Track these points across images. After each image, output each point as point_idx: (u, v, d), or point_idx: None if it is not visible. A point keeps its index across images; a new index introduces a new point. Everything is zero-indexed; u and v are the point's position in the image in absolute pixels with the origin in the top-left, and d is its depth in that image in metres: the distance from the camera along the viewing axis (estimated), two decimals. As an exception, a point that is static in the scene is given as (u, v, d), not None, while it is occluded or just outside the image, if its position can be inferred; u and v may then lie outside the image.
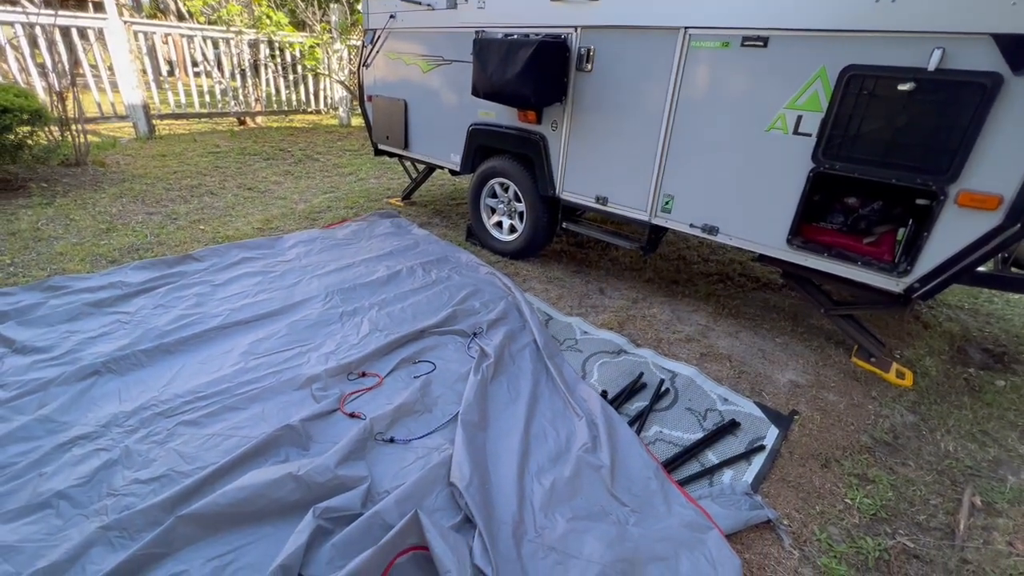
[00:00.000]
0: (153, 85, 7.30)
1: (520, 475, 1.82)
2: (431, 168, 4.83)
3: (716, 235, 2.74)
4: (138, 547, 1.42)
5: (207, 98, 7.91)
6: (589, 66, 2.99)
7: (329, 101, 9.61)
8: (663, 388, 2.41)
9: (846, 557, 1.66)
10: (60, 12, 5.55)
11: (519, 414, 2.13)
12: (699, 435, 2.13)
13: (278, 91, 8.71)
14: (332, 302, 2.93)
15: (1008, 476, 2.03)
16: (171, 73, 11.17)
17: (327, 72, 8.93)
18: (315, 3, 9.24)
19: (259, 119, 8.52)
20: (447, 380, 2.34)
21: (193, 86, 7.72)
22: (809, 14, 2.19)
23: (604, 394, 2.32)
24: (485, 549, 1.47)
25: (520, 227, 3.75)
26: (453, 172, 4.21)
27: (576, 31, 2.98)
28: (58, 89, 5.01)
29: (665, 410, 2.29)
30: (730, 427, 2.17)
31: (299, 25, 9.43)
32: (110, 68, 6.52)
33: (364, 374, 2.34)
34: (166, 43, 12.37)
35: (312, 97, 9.34)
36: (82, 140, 5.16)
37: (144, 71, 6.88)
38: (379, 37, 4.27)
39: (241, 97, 8.13)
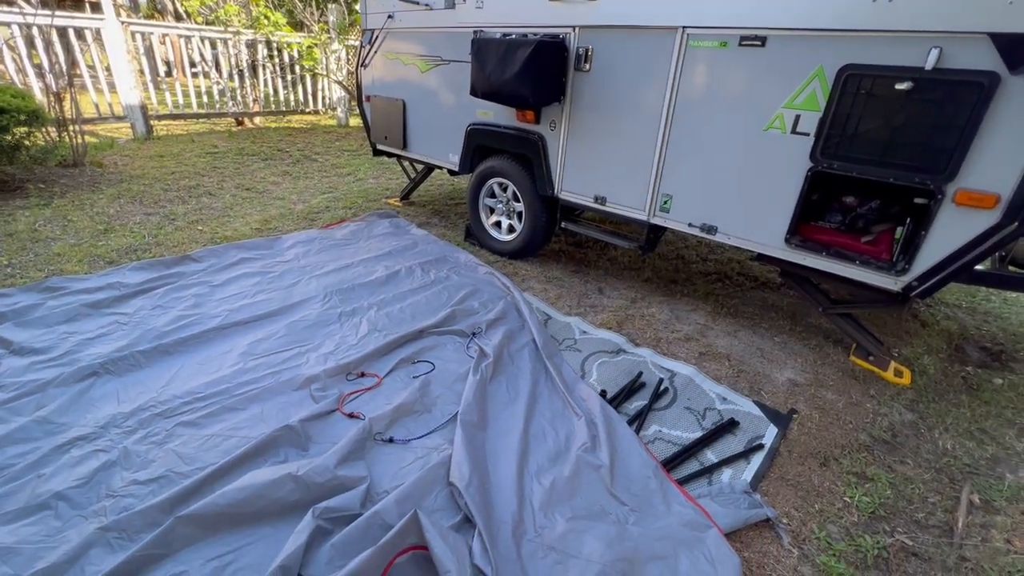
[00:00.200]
0: (151, 86, 7.29)
1: (519, 475, 1.82)
2: (429, 168, 4.83)
3: (715, 234, 2.74)
4: (137, 548, 1.42)
5: (205, 99, 7.89)
6: (587, 66, 2.99)
7: (327, 101, 9.61)
8: (662, 387, 2.41)
9: (845, 555, 1.66)
10: (57, 13, 5.53)
11: (518, 414, 2.13)
12: (698, 434, 2.13)
13: (276, 91, 8.70)
14: (331, 302, 2.92)
15: (1006, 474, 2.04)
16: (169, 74, 11.16)
17: (325, 72, 8.93)
18: (313, 3, 9.23)
19: (257, 119, 8.51)
20: (446, 380, 2.34)
21: (191, 86, 7.71)
22: (807, 14, 2.19)
23: (603, 393, 2.32)
24: (485, 549, 1.47)
25: (519, 227, 3.75)
26: (452, 172, 4.21)
27: (574, 31, 2.98)
28: (55, 90, 5.00)
29: (664, 409, 2.29)
30: (729, 426, 2.18)
31: (297, 25, 9.42)
32: (107, 69, 6.50)
33: (363, 374, 2.34)
34: (163, 43, 12.34)
35: (310, 97, 9.33)
36: (79, 141, 5.15)
37: (142, 71, 6.86)
38: (377, 37, 4.27)
39: (239, 98, 8.12)
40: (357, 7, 7.83)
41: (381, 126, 4.57)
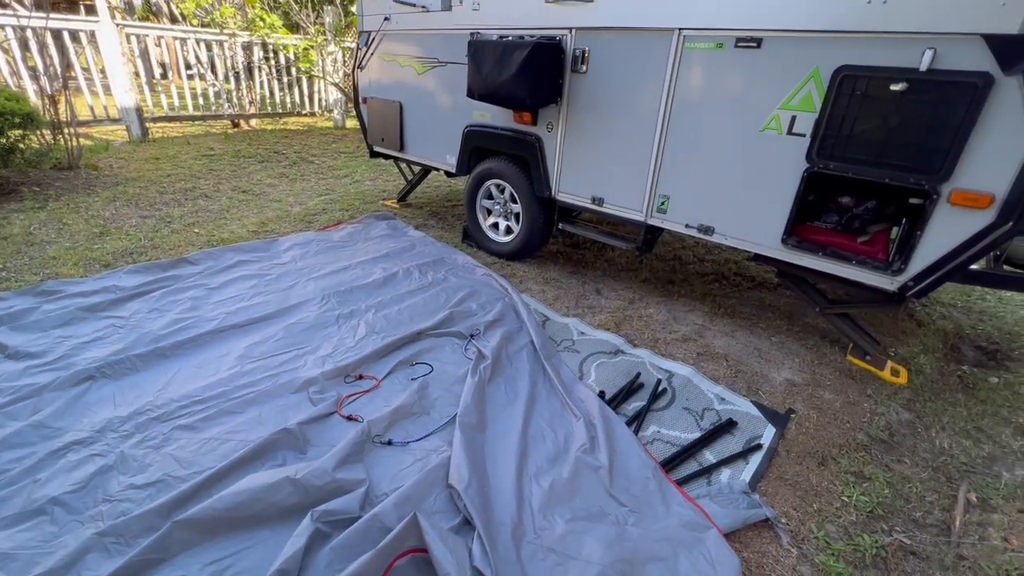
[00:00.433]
0: (146, 88, 7.27)
1: (519, 476, 1.82)
2: (427, 170, 4.82)
3: (712, 235, 2.75)
4: (134, 553, 1.41)
5: (201, 101, 7.87)
6: (584, 67, 3.00)
7: (323, 103, 9.59)
8: (660, 388, 2.42)
9: (844, 555, 1.66)
10: (51, 15, 5.51)
11: (517, 415, 2.13)
12: (696, 434, 2.14)
13: (272, 93, 8.69)
14: (328, 305, 2.92)
15: (1002, 472, 2.05)
16: (164, 76, 11.11)
17: (321, 74, 8.91)
18: (309, 5, 9.22)
19: (253, 122, 8.50)
20: (445, 382, 2.34)
21: (187, 89, 7.68)
22: (802, 15, 2.21)
23: (602, 394, 2.32)
24: (484, 551, 1.46)
25: (516, 228, 3.75)
26: (449, 174, 4.21)
27: (571, 33, 2.99)
28: (50, 92, 4.97)
29: (662, 410, 2.30)
30: (727, 426, 2.18)
31: (293, 27, 9.41)
32: (102, 71, 6.47)
33: (361, 377, 2.33)
34: (159, 46, 12.28)
35: (306, 99, 9.32)
36: (74, 143, 5.12)
37: (137, 74, 6.84)
38: (374, 39, 4.27)
39: (235, 100, 8.10)
40: (353, 9, 7.84)
41: (378, 128, 4.56)
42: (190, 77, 7.69)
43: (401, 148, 4.41)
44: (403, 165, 4.98)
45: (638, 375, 2.49)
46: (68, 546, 1.46)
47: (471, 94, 3.28)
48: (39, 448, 1.80)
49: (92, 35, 6.22)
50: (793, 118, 2.34)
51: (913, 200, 2.36)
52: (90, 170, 5.22)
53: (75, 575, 1.39)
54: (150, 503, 1.59)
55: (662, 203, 2.90)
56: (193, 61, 7.70)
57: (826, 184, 2.54)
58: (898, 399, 2.46)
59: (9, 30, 5.52)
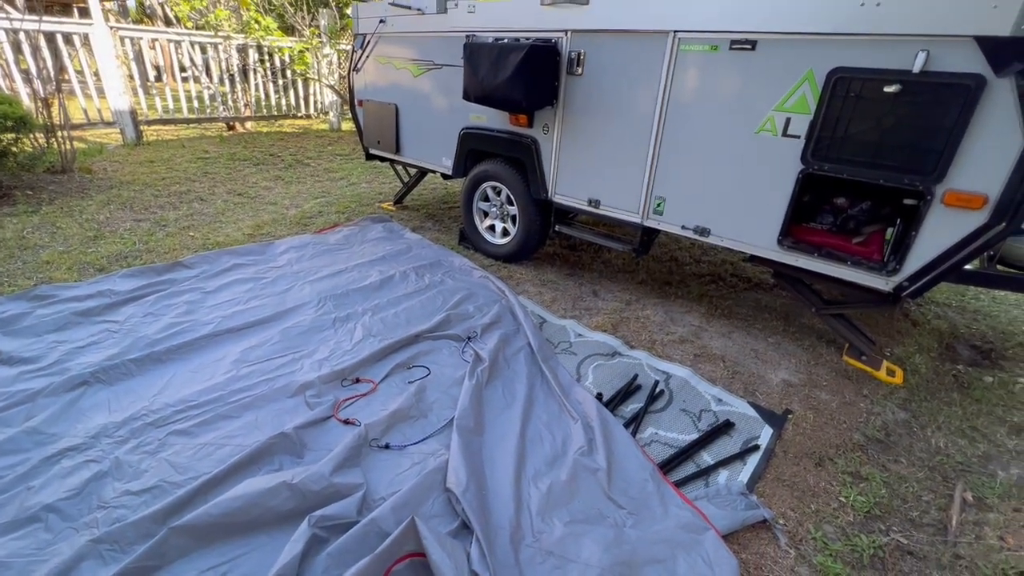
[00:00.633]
0: (140, 91, 7.23)
1: (517, 479, 1.81)
2: (423, 172, 4.82)
3: (708, 236, 2.76)
4: (130, 560, 1.40)
5: (195, 103, 7.84)
6: (580, 70, 3.00)
7: (319, 106, 9.58)
8: (658, 389, 2.42)
9: (841, 555, 1.67)
10: (44, 18, 5.48)
11: (514, 418, 2.12)
12: (694, 436, 2.14)
13: (267, 96, 8.67)
14: (325, 308, 2.91)
15: (998, 471, 2.06)
16: (159, 78, 11.07)
17: (317, 77, 8.90)
18: (304, 8, 9.21)
19: (248, 124, 8.47)
20: (442, 385, 2.33)
21: (181, 91, 7.65)
22: (796, 18, 2.22)
23: (599, 396, 2.32)
24: (483, 555, 1.46)
25: (513, 230, 3.75)
26: (445, 176, 4.21)
27: (566, 35, 2.99)
28: (43, 95, 4.94)
29: (660, 411, 2.30)
30: (725, 427, 2.18)
31: (288, 30, 9.39)
32: (96, 74, 6.44)
33: (358, 380, 2.33)
34: (153, 48, 12.25)
35: (302, 102, 9.30)
36: (68, 147, 5.09)
37: (131, 77, 6.81)
38: (369, 42, 4.27)
39: (230, 102, 8.08)
40: (348, 11, 7.83)
41: (374, 130, 4.56)
42: (185, 80, 7.66)
43: (397, 150, 4.41)
44: (399, 167, 4.98)
45: (635, 377, 2.49)
46: (62, 554, 1.44)
47: (467, 96, 3.28)
48: (33, 454, 1.78)
49: (86, 38, 6.19)
50: (788, 120, 2.35)
51: (907, 201, 2.38)
52: (84, 173, 5.19)
53: (70, 583, 1.37)
54: (145, 509, 1.57)
55: (658, 205, 2.91)
56: (188, 64, 7.67)
57: (821, 185, 2.55)
58: (894, 399, 2.47)
59: (2, 32, 5.48)
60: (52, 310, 2.65)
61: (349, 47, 7.46)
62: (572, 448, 1.97)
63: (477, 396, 2.20)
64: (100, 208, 4.34)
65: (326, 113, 9.51)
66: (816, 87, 2.24)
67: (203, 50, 7.70)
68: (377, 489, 1.75)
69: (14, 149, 4.41)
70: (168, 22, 10.94)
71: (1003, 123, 1.89)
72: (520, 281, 3.57)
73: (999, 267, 2.57)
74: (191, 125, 8.00)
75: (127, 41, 6.75)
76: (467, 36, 3.35)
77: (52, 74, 5.21)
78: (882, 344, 2.96)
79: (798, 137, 2.33)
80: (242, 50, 7.99)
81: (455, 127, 3.79)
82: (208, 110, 7.97)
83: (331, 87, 8.97)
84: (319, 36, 8.64)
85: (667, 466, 1.97)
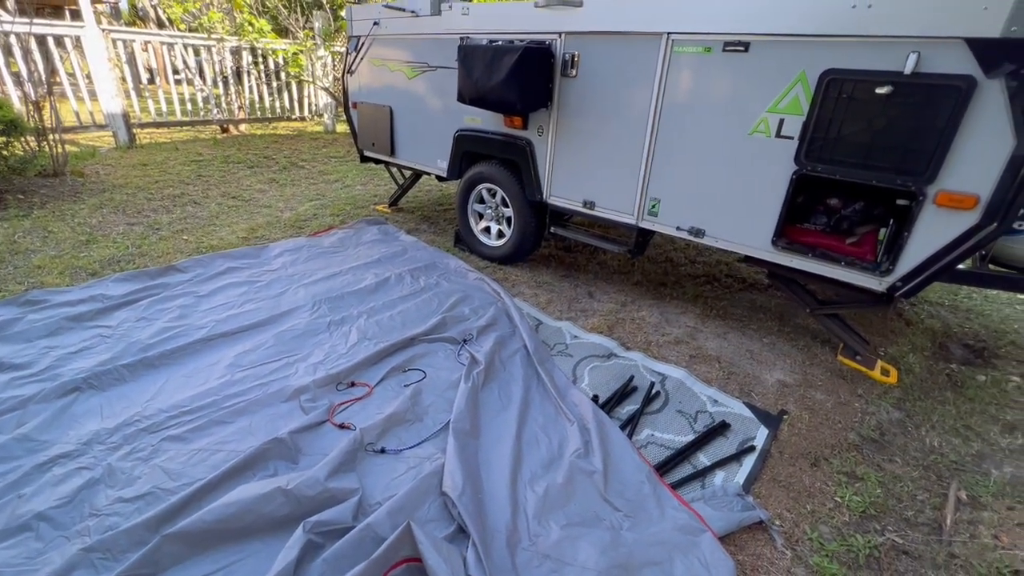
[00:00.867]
0: (133, 93, 7.19)
1: (513, 482, 1.81)
2: (418, 174, 4.81)
3: (702, 237, 2.76)
4: (123, 568, 1.39)
5: (189, 106, 7.81)
6: (574, 72, 3.00)
7: (313, 108, 9.55)
8: (654, 391, 2.42)
9: (837, 555, 1.67)
10: (36, 20, 5.44)
11: (511, 421, 2.12)
12: (690, 437, 2.14)
13: (261, 98, 8.63)
14: (320, 311, 2.90)
15: (991, 470, 2.07)
16: (152, 81, 11.01)
17: (311, 79, 8.88)
18: (298, 10, 9.19)
19: (242, 127, 8.43)
20: (438, 388, 2.33)
21: (174, 94, 7.61)
22: (788, 19, 2.23)
23: (595, 398, 2.32)
24: (479, 559, 1.46)
25: (508, 232, 3.75)
26: (440, 178, 4.20)
27: (560, 37, 3.00)
28: (34, 98, 4.91)
29: (656, 413, 2.30)
30: (720, 428, 2.19)
31: (282, 32, 9.37)
32: (88, 76, 6.40)
33: (353, 384, 2.32)
34: (146, 51, 12.19)
35: (296, 104, 9.27)
36: (60, 150, 5.06)
37: (124, 79, 6.77)
38: (363, 44, 4.26)
39: (224, 105, 8.04)
40: (343, 13, 7.82)
41: (368, 132, 4.55)
42: (178, 82, 7.63)
43: (392, 152, 4.40)
44: (394, 170, 4.97)
45: (631, 378, 2.49)
46: (54, 563, 1.43)
47: (461, 98, 3.28)
48: (24, 462, 1.76)
49: (77, 40, 6.14)
50: (781, 121, 2.36)
51: (900, 201, 2.39)
52: (76, 177, 5.15)
53: (61, 592, 1.36)
54: (138, 516, 1.56)
55: (653, 206, 2.91)
56: (181, 66, 7.63)
57: (815, 186, 2.56)
58: (888, 398, 2.48)
59: (-8, 36, 5.45)
60: (44, 315, 2.63)
61: (343, 49, 7.46)
62: (568, 450, 1.97)
63: (473, 399, 2.20)
64: (92, 212, 4.31)
65: (320, 115, 9.48)
66: (809, 88, 2.25)
67: (196, 52, 7.66)
68: (373, 494, 1.74)
69: (5, 153, 4.38)
70: (161, 24, 10.89)
71: (994, 124, 1.91)
72: (516, 283, 3.56)
73: (991, 266, 2.59)
74: (184, 128, 7.96)
75: (119, 43, 6.71)
76: (461, 38, 3.35)
77: (43, 77, 5.17)
78: (876, 344, 2.97)
79: (791, 138, 2.34)
80: (236, 52, 7.96)
81: (450, 129, 3.79)
82: (202, 113, 7.93)
83: (325, 89, 8.95)
84: (313, 38, 8.62)
85: (663, 468, 1.97)
